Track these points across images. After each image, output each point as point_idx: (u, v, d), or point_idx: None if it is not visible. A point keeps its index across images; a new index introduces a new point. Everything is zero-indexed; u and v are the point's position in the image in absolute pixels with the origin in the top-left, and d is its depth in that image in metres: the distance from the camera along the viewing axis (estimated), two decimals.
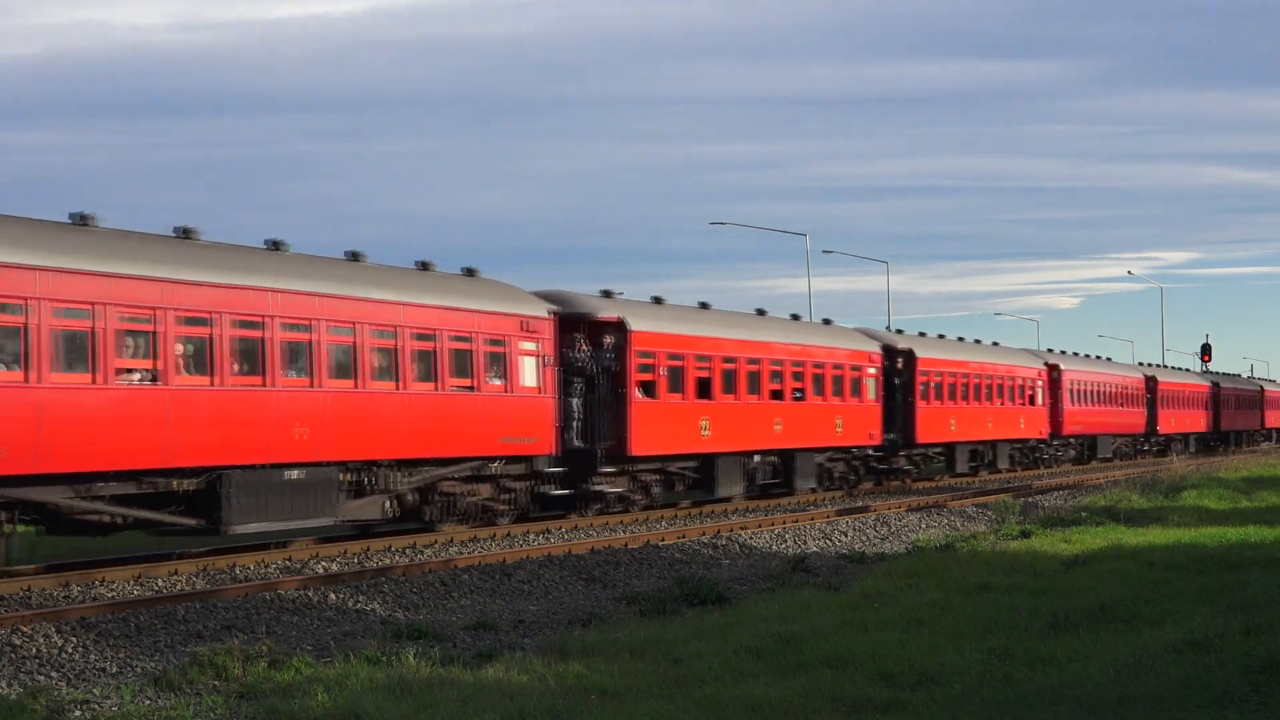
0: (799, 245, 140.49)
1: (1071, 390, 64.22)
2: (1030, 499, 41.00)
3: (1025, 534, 27.91)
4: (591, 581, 22.90)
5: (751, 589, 20.86)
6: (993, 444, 55.32)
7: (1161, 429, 77.65)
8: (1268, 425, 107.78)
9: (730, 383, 36.70)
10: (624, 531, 30.08)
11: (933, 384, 49.12)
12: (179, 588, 20.79)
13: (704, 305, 38.68)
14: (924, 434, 48.36)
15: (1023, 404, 57.92)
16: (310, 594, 19.96)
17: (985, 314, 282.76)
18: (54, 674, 15.00)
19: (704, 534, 29.40)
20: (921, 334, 53.98)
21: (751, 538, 28.97)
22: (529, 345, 29.73)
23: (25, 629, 16.70)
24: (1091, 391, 67.57)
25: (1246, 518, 30.47)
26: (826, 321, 47.18)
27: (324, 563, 23.93)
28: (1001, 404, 55.57)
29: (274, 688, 13.05)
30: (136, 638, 16.91)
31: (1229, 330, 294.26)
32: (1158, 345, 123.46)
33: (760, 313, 42.05)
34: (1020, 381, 57.87)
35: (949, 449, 51.94)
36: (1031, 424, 59.12)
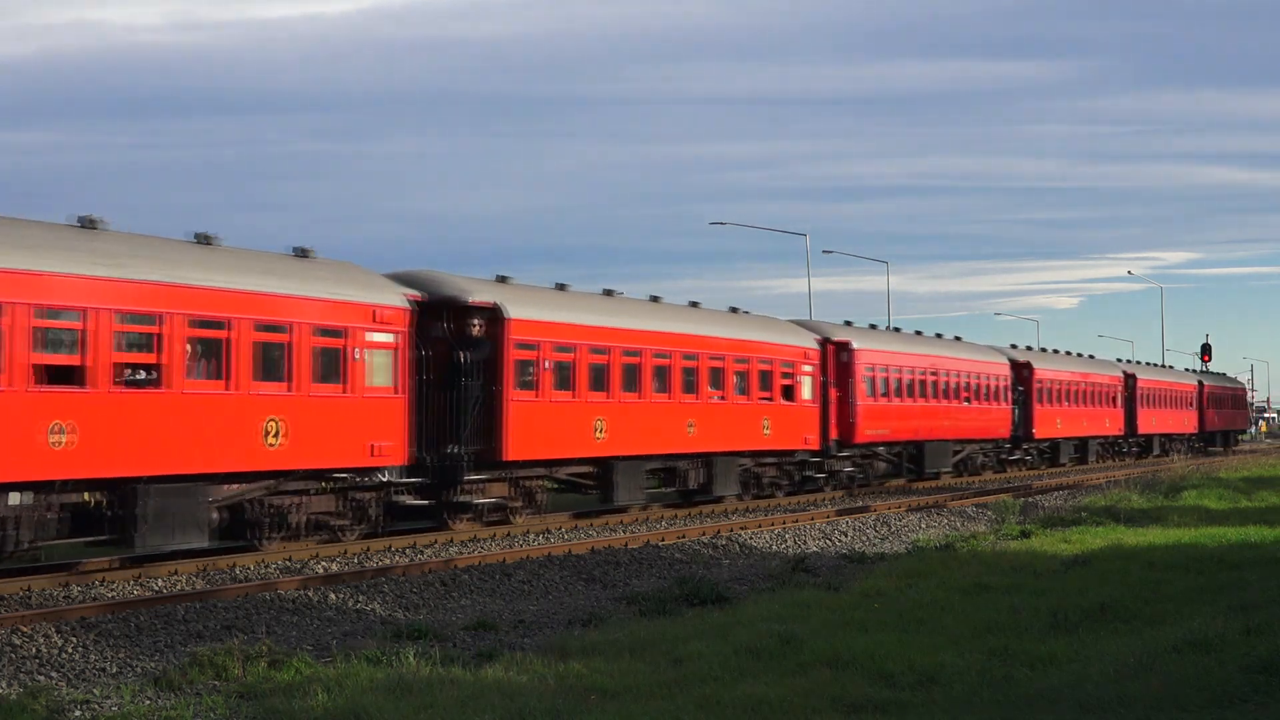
0: (799, 245, 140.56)
1: (1042, 388, 60.47)
2: (1030, 499, 41.03)
3: (1025, 534, 27.92)
4: (591, 581, 22.90)
5: (751, 589, 20.86)
6: (953, 444, 51.34)
7: (1142, 429, 73.81)
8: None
9: (633, 379, 33.01)
10: (624, 531, 30.09)
11: (879, 380, 45.37)
12: (179, 588, 20.79)
13: (609, 293, 34.73)
14: (868, 434, 44.51)
15: (988, 403, 54.33)
16: (310, 594, 19.97)
17: (985, 314, 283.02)
18: (54, 674, 15.00)
19: (704, 534, 29.40)
20: (873, 326, 50.20)
21: (751, 538, 28.98)
22: (380, 337, 25.73)
23: (25, 629, 16.71)
24: (1065, 390, 63.43)
25: (1246, 518, 30.49)
26: (734, 310, 41.05)
27: (324, 563, 23.93)
28: (963, 403, 51.71)
29: (274, 688, 13.05)
30: (136, 638, 16.91)
31: (1229, 330, 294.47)
32: (1158, 345, 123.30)
33: (693, 305, 38.66)
34: (985, 379, 54.09)
35: (905, 450, 47.94)
36: (997, 424, 55.47)
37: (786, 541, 29.12)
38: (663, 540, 27.85)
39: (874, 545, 29.64)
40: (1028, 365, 59.61)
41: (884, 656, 13.66)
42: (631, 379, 32.96)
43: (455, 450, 27.68)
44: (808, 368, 40.93)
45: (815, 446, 41.04)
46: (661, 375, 34.15)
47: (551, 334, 30.35)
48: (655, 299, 36.65)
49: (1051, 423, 61.42)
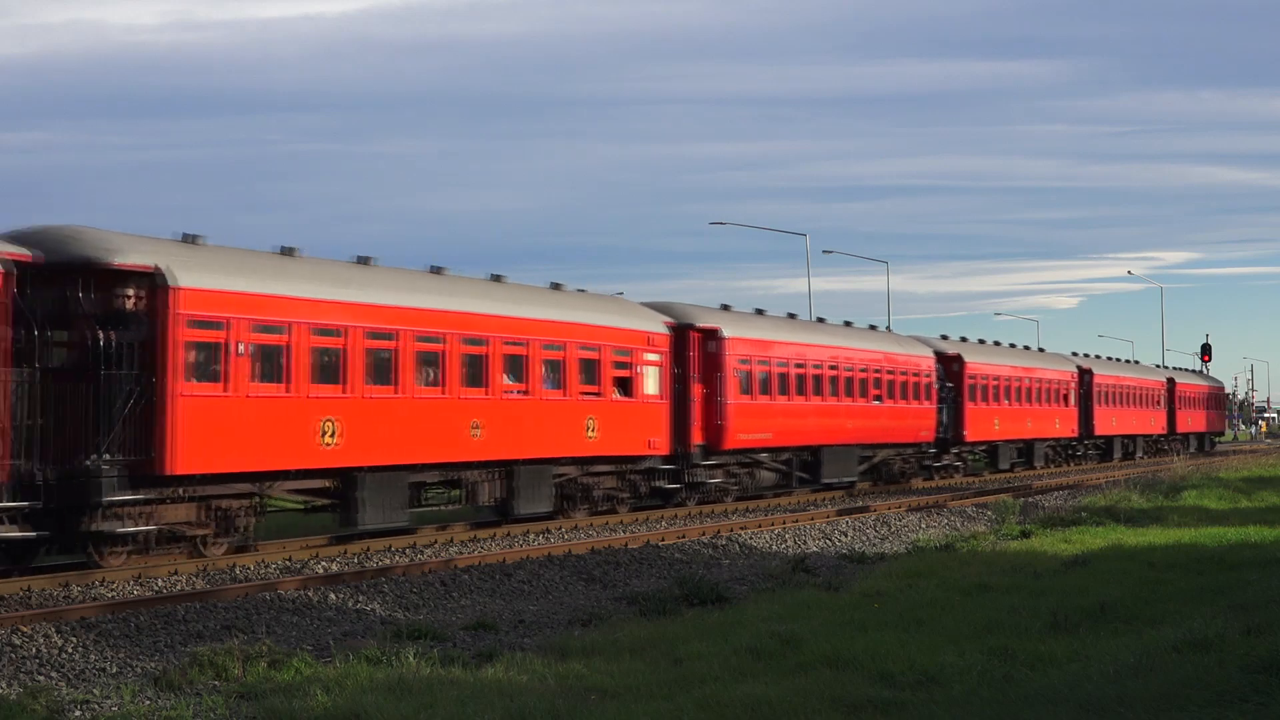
0: (799, 245, 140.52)
1: (975, 384, 53.49)
2: (1030, 499, 41.03)
3: (1025, 534, 27.93)
4: (591, 581, 22.90)
5: (751, 589, 20.86)
6: (861, 450, 44.39)
7: (1100, 429, 66.97)
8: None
9: (384, 370, 26.14)
10: (624, 531, 30.09)
11: (758, 374, 38.39)
12: (179, 588, 20.79)
13: (364, 260, 27.62)
14: (743, 438, 37.28)
15: (907, 401, 47.39)
16: (310, 594, 19.97)
17: (985, 314, 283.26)
18: (54, 674, 15.00)
19: (704, 534, 29.40)
20: (759, 312, 41.92)
21: (751, 538, 28.98)
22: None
23: (25, 629, 16.71)
24: (1004, 387, 56.27)
25: (1246, 518, 30.49)
26: (556, 287, 33.32)
27: (324, 563, 23.93)
28: (872, 401, 44.81)
29: (274, 688, 13.04)
30: (136, 638, 16.91)
31: (1229, 330, 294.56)
32: (1158, 345, 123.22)
33: (496, 278, 30.99)
34: (903, 374, 47.16)
35: (797, 457, 40.55)
36: (917, 425, 48.09)
37: (786, 541, 29.12)
38: (663, 540, 27.85)
39: (874, 545, 29.65)
40: (958, 358, 52.83)
41: (884, 656, 13.66)
42: (382, 369, 26.08)
43: (91, 463, 21.03)
44: (652, 356, 33.67)
45: (662, 451, 34.01)
46: (431, 364, 27.30)
47: (247, 309, 23.44)
48: (438, 270, 29.53)
49: (986, 423, 54.48)
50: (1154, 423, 76.62)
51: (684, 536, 28.76)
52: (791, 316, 44.22)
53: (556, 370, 30.77)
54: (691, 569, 23.83)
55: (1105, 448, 69.75)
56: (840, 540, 30.34)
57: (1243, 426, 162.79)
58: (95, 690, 13.75)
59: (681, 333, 35.86)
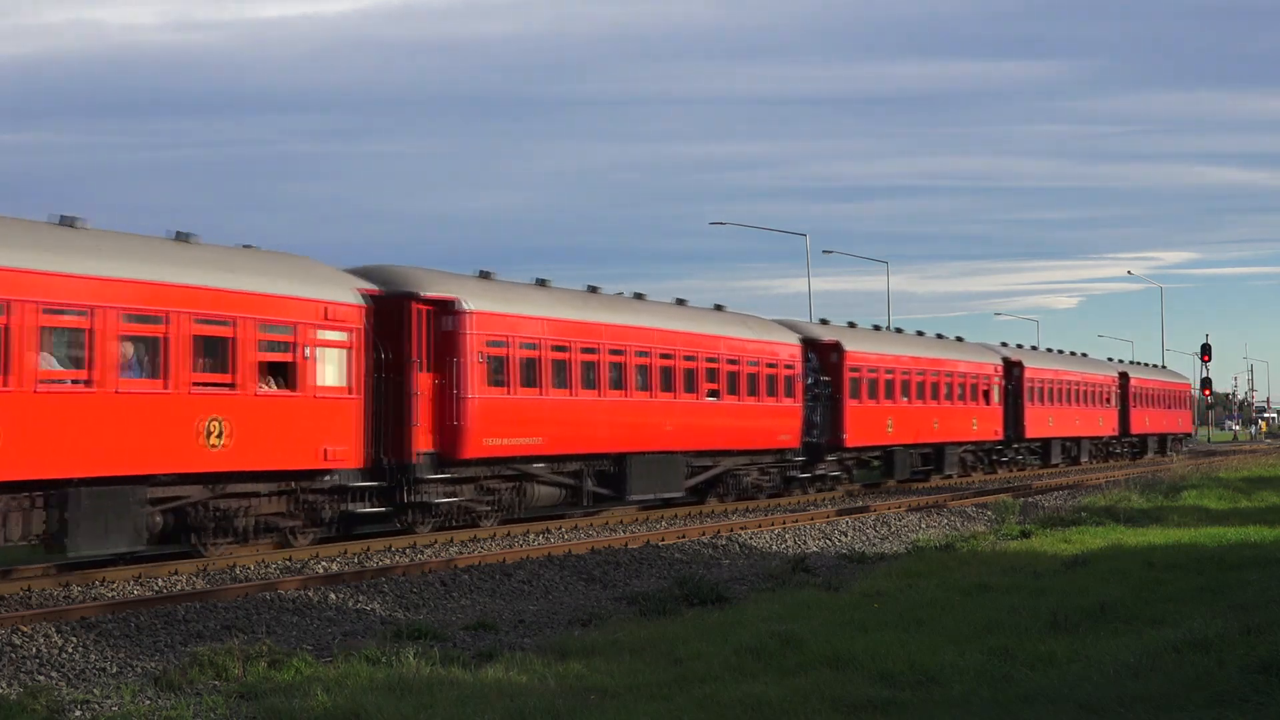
0: (799, 245, 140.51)
1: (860, 377, 44.46)
2: (1030, 499, 41.04)
3: (1025, 534, 27.92)
4: (591, 581, 22.91)
5: (751, 589, 20.86)
6: (690, 458, 35.47)
7: (1032, 431, 58.68)
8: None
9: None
10: (624, 531, 30.09)
11: (518, 361, 29.47)
12: (179, 588, 20.79)
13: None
14: (491, 444, 28.61)
15: (765, 398, 38.70)
16: (310, 594, 19.97)
17: (985, 314, 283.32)
18: (54, 674, 15.00)
19: (704, 534, 29.41)
20: (540, 283, 32.51)
21: (751, 538, 28.98)
22: None
23: (25, 629, 16.71)
24: (905, 382, 47.41)
25: (1246, 518, 30.49)
26: (183, 238, 23.75)
27: (324, 563, 23.93)
28: (705, 398, 35.96)
29: (274, 688, 13.05)
30: (136, 638, 16.91)
31: (1229, 330, 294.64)
32: (1158, 345, 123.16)
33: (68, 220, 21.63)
34: (759, 366, 38.49)
35: (589, 468, 31.89)
36: (776, 428, 39.29)
37: (786, 541, 29.13)
38: (663, 540, 27.86)
39: (874, 545, 29.65)
40: (836, 346, 43.71)
41: (884, 656, 13.66)
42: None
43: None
44: (331, 335, 24.86)
45: (349, 463, 25.18)
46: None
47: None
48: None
49: (875, 424, 45.22)
50: (1102, 423, 68.21)
51: (684, 536, 28.77)
52: (592, 290, 34.02)
53: (152, 350, 21.70)
54: (691, 569, 23.84)
55: (1041, 451, 61.42)
56: (840, 540, 30.34)
57: (1243, 426, 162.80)
58: (95, 690, 13.75)
59: (395, 304, 26.78)
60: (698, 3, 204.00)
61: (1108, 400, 68.77)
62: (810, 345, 42.37)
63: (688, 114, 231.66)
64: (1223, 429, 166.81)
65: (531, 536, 29.04)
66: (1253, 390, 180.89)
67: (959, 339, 56.52)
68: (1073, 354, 69.76)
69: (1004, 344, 60.46)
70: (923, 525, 33.72)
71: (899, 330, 52.85)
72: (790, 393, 40.09)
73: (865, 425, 44.55)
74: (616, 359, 32.75)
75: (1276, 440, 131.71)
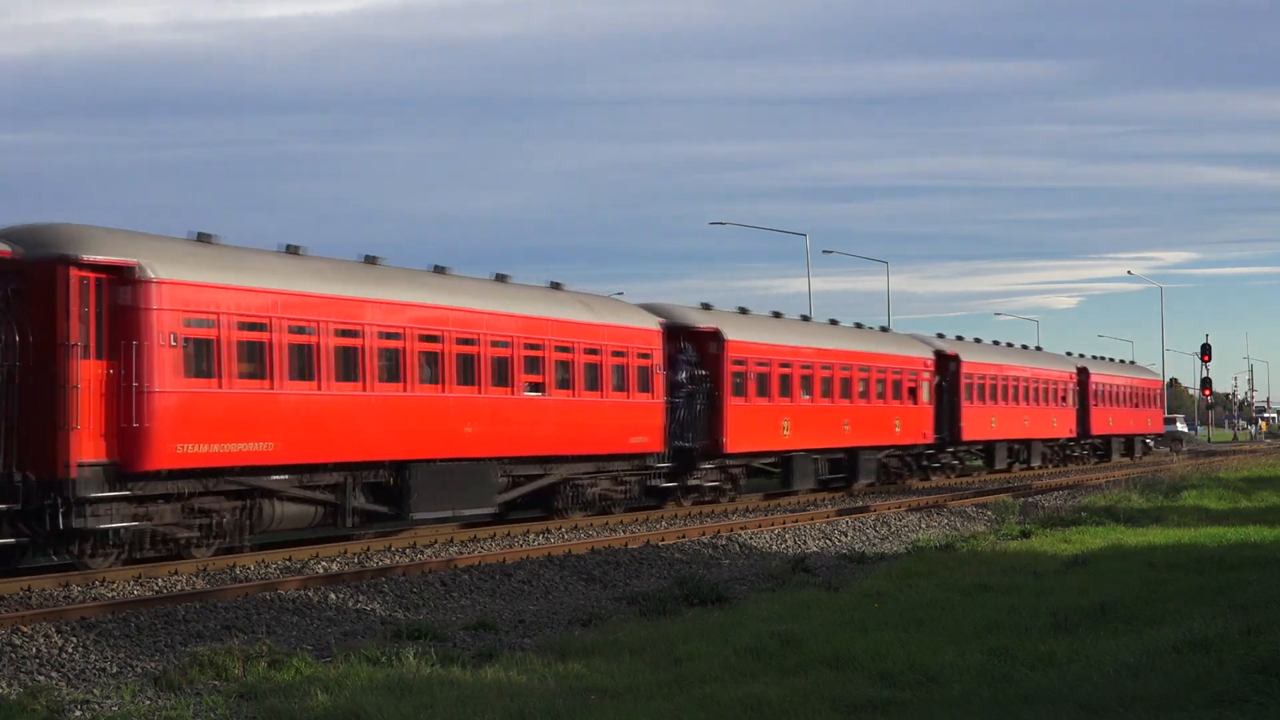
0: (799, 245, 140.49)
1: (744, 372, 37.56)
2: (1030, 499, 41.03)
3: (1025, 534, 27.93)
4: (591, 581, 22.90)
5: (751, 589, 20.86)
6: (503, 466, 29.08)
7: (972, 433, 52.39)
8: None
9: None
10: (624, 531, 30.08)
11: (231, 344, 23.31)
12: (179, 588, 20.79)
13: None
14: (183, 450, 22.35)
15: (634, 394, 33.11)
16: (310, 594, 19.97)
17: (985, 314, 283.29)
18: (54, 674, 15.00)
19: (704, 534, 29.40)
20: (292, 250, 26.16)
21: (751, 538, 28.98)
22: None
23: (25, 629, 16.71)
24: (806, 378, 40.77)
25: (1246, 518, 30.49)
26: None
27: (324, 563, 23.93)
28: (528, 392, 29.74)
29: (274, 688, 13.04)
30: (136, 638, 16.91)
31: (1229, 330, 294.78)
32: (1158, 345, 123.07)
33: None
34: (601, 355, 32.29)
35: (356, 479, 25.74)
36: (626, 428, 32.95)
37: (786, 541, 29.13)
38: (663, 540, 27.85)
39: (874, 545, 29.65)
40: (715, 335, 36.86)
41: (884, 656, 13.66)
42: None
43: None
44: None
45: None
46: None
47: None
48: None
49: (766, 426, 38.48)
50: (1057, 423, 61.74)
51: (684, 536, 28.76)
52: (371, 260, 27.64)
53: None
54: (691, 569, 23.84)
55: (985, 454, 55.63)
56: (840, 540, 30.34)
57: (1244, 426, 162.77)
58: (95, 690, 13.75)
59: (44, 271, 21.02)
60: (698, 3, 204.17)
61: (1064, 398, 62.37)
62: (681, 333, 36.16)
63: (688, 114, 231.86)
64: (1223, 427, 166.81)
65: (531, 536, 29.04)
66: (1253, 390, 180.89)
67: (884, 329, 50.46)
68: (1024, 347, 63.88)
69: (940, 335, 54.54)
70: (923, 525, 33.72)
71: (805, 318, 45.61)
72: (646, 387, 33.59)
73: (752, 427, 37.65)
74: (391, 344, 26.20)
75: (1276, 440, 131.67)
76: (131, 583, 21.09)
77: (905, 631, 15.34)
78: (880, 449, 45.59)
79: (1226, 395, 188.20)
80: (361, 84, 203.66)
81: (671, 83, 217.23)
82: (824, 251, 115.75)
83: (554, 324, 30.99)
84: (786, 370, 39.87)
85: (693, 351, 36.46)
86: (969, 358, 52.92)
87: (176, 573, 22.10)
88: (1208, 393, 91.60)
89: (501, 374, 29.18)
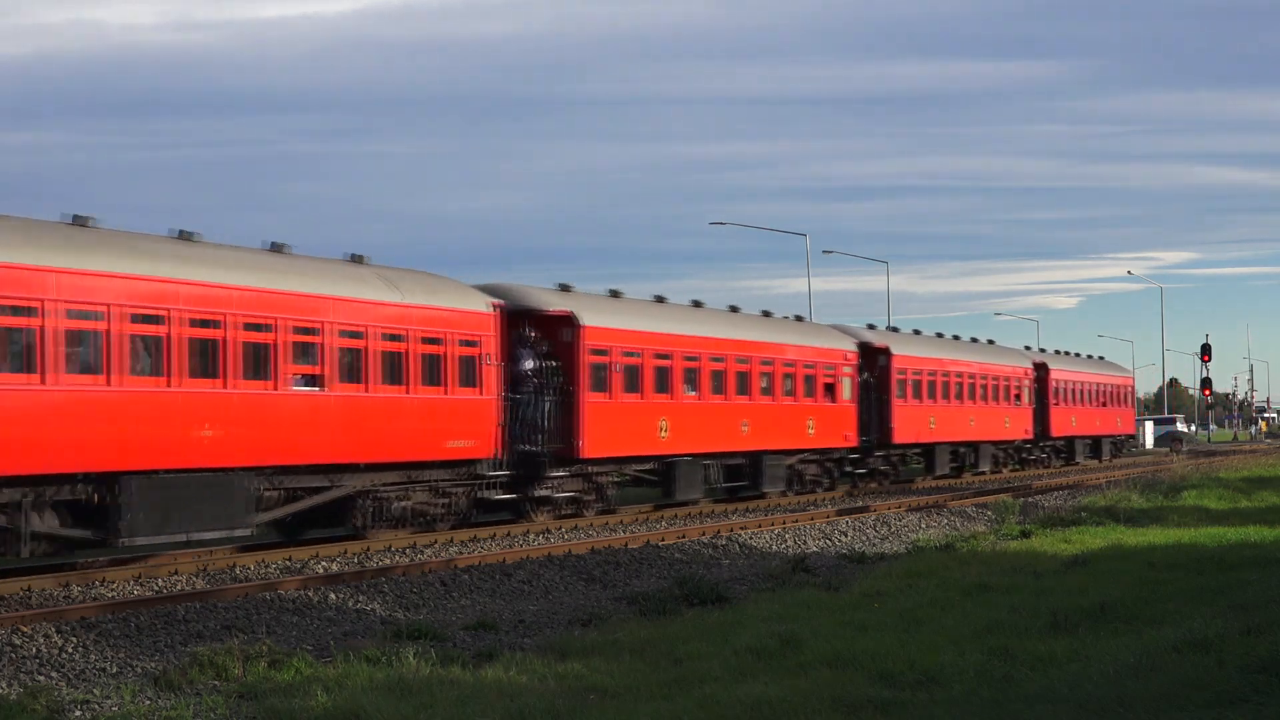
0: (799, 245, 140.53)
1: (611, 365, 32.24)
2: (1030, 499, 41.04)
3: (1025, 534, 27.93)
4: (591, 581, 22.90)
5: (751, 589, 20.86)
6: (258, 479, 23.49)
7: (904, 435, 46.56)
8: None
9: None
10: (624, 531, 30.08)
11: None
12: (179, 588, 20.79)
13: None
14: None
15: (433, 389, 26.94)
16: (310, 594, 19.97)
17: (985, 314, 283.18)
18: (54, 674, 15.00)
19: (704, 534, 29.40)
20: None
21: (751, 538, 28.98)
22: None
23: (25, 629, 16.71)
24: (692, 371, 35.23)
25: (1246, 518, 30.50)
26: None
27: (324, 563, 23.93)
28: (301, 387, 24.40)
29: (274, 688, 13.05)
30: (136, 638, 16.91)
31: (1229, 330, 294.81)
32: (1158, 345, 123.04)
33: None
34: (405, 342, 26.35)
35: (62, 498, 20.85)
36: (445, 429, 27.31)
37: (786, 541, 29.13)
38: (663, 540, 27.85)
39: (874, 545, 29.65)
40: (569, 320, 31.29)
41: (884, 656, 13.66)
42: None
43: None
44: None
45: None
46: None
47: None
48: None
49: (639, 428, 33.29)
50: (1011, 424, 55.71)
51: (684, 536, 28.76)
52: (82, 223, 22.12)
53: None
54: (691, 569, 23.84)
55: (925, 459, 49.69)
56: (840, 540, 30.34)
57: (1243, 426, 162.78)
58: (95, 690, 13.75)
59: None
60: (698, 3, 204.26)
61: (1018, 397, 56.54)
62: (526, 318, 30.71)
63: (688, 114, 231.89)
64: (1223, 427, 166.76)
65: (531, 536, 29.03)
66: (1253, 390, 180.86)
67: (798, 318, 44.87)
68: (973, 340, 57.19)
69: (870, 326, 48.92)
70: (923, 525, 33.73)
71: (698, 304, 38.68)
72: (470, 381, 27.90)
73: (619, 428, 32.63)
74: (87, 325, 21.00)
75: (1276, 440, 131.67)
76: (131, 583, 21.10)
77: (905, 631, 15.35)
78: (791, 453, 39.89)
79: (1227, 395, 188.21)
80: (361, 84, 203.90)
81: (671, 83, 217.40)
82: (824, 251, 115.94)
83: (337, 304, 25.13)
84: (665, 362, 34.13)
85: (543, 340, 30.97)
86: (902, 350, 47.38)
87: (176, 573, 22.11)
88: (1208, 393, 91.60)
89: (259, 364, 23.57)
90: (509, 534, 29.06)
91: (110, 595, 19.95)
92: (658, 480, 34.89)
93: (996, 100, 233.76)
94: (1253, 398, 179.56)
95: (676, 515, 34.50)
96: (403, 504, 27.09)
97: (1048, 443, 61.54)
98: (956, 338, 56.29)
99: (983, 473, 53.66)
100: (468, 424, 27.91)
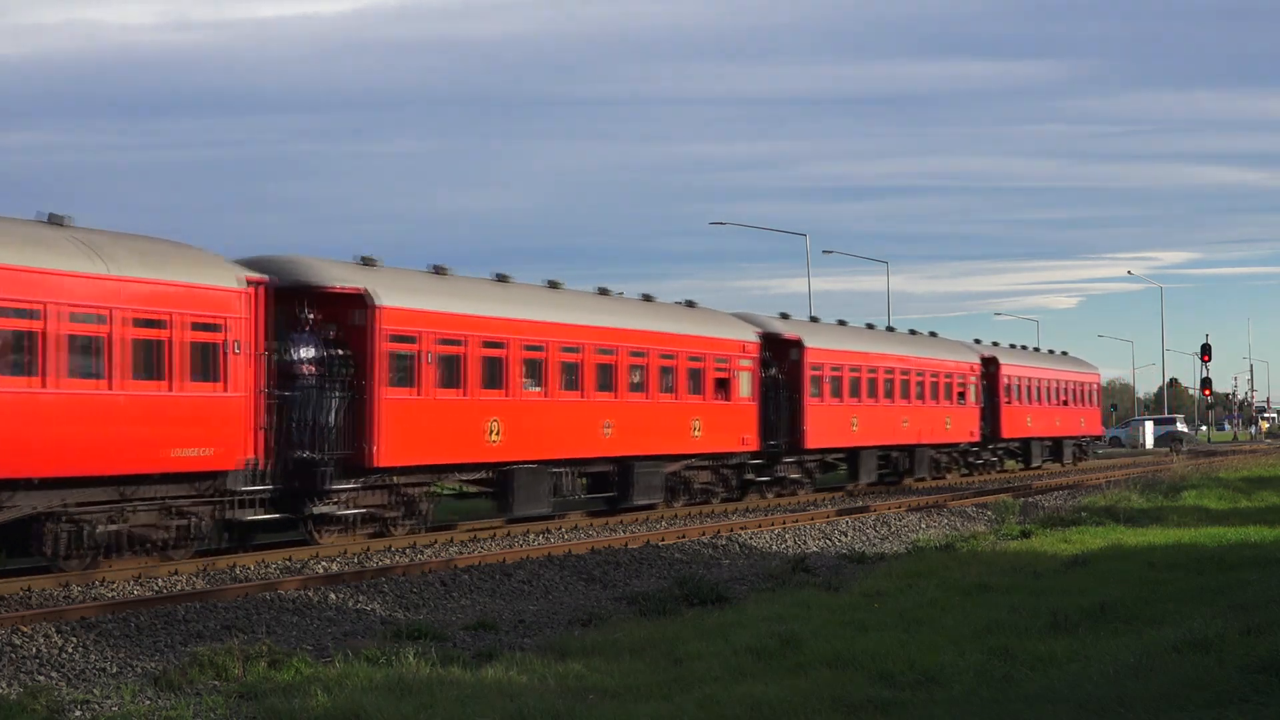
0: (799, 245, 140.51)
1: (398, 352, 25.98)
2: (1030, 499, 41.03)
3: (1025, 534, 27.93)
4: (591, 581, 22.90)
5: (751, 589, 20.86)
6: (30, 491, 19.85)
7: (820, 439, 40.79)
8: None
9: None
10: (624, 531, 30.08)
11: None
12: (179, 588, 20.78)
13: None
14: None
15: (155, 384, 21.21)
16: (310, 594, 19.97)
17: (985, 314, 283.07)
18: (54, 674, 15.00)
19: (704, 534, 29.40)
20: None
21: (751, 538, 28.98)
22: None
23: (25, 629, 16.70)
24: (525, 360, 29.32)
25: (1246, 518, 30.50)
26: None
27: (324, 563, 23.93)
28: (84, 386, 20.23)
29: (274, 688, 13.05)
30: (136, 638, 16.91)
31: (1229, 330, 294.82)
32: (1158, 345, 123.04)
33: None
34: (168, 328, 21.27)
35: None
36: (181, 437, 21.56)
37: (786, 541, 29.13)
38: (663, 540, 27.85)
39: (874, 545, 29.65)
40: (361, 300, 25.52)
41: (884, 656, 13.66)
42: None
43: None
44: None
45: None
46: None
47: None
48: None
49: (436, 432, 26.91)
50: (953, 425, 49.97)
51: (684, 536, 28.76)
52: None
53: None
54: (691, 569, 23.84)
55: (849, 465, 43.98)
56: (840, 540, 30.34)
57: (1243, 426, 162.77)
58: (95, 690, 13.75)
59: None
60: (697, 3, 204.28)
61: (962, 395, 50.83)
62: (302, 296, 25.15)
63: (687, 114, 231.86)
64: (1223, 428, 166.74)
65: (531, 536, 29.03)
66: (1253, 390, 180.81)
67: (689, 303, 38.29)
68: (911, 333, 52.13)
69: (784, 315, 42.82)
70: (923, 525, 33.72)
71: (554, 284, 32.69)
72: (210, 375, 22.22)
73: (423, 431, 26.76)
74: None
75: (1276, 440, 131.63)
76: (131, 583, 21.09)
77: (905, 631, 15.35)
78: (672, 459, 34.67)
79: (1226, 395, 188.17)
80: (361, 84, 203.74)
81: (671, 82, 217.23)
82: (824, 251, 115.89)
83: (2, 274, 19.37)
84: (498, 352, 28.52)
85: (327, 324, 25.49)
86: (817, 342, 41.57)
87: (176, 573, 22.10)
88: (1208, 392, 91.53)
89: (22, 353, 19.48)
90: (509, 534, 29.05)
91: (110, 595, 19.95)
92: (492, 492, 29.39)
93: (996, 100, 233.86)
94: (1253, 398, 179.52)
95: (676, 515, 34.38)
96: (112, 528, 21.35)
97: (999, 445, 55.82)
98: (891, 329, 51.81)
99: (923, 479, 48.22)
100: (204, 428, 22.07)
